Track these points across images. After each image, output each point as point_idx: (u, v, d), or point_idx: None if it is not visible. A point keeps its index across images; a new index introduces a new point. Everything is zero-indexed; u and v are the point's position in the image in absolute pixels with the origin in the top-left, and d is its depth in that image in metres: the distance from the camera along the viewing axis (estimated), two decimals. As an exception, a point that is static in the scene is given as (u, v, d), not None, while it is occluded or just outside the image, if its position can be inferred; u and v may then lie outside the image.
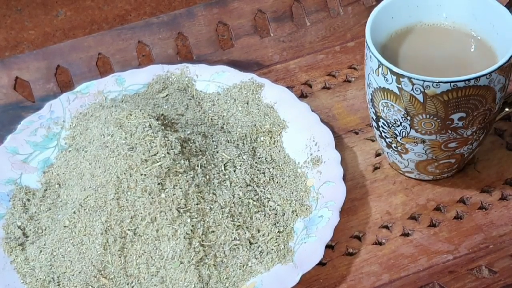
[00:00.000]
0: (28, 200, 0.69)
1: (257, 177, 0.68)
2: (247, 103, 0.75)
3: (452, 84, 0.60)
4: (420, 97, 0.61)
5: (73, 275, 0.64)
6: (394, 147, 0.67)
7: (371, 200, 0.69)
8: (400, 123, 0.64)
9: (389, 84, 0.62)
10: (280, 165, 0.70)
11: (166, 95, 0.76)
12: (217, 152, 0.69)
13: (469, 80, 0.60)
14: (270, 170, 0.70)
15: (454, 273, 0.63)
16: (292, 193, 0.68)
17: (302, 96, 0.78)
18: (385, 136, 0.67)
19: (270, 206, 0.67)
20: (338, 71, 0.80)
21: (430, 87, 0.60)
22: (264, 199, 0.67)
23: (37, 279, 0.64)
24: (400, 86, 0.62)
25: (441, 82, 0.60)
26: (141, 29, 0.82)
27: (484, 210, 0.68)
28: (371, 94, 0.65)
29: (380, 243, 0.66)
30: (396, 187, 0.70)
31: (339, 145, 0.72)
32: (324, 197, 0.67)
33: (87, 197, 0.65)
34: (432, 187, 0.69)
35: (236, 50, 0.83)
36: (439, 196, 0.69)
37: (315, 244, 0.64)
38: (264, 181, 0.68)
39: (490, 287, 0.62)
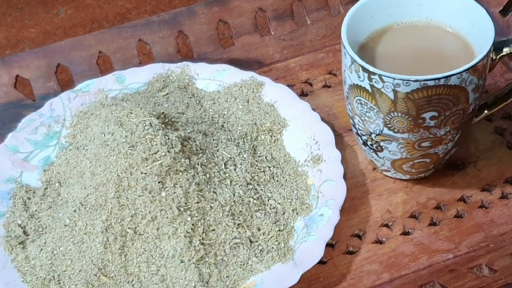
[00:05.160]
0: (29, 198, 0.69)
1: (257, 175, 0.68)
2: (248, 102, 0.75)
3: (422, 82, 0.60)
4: (391, 95, 0.61)
5: (74, 273, 0.64)
6: (370, 145, 0.67)
7: (371, 199, 0.69)
8: (374, 120, 0.64)
9: (362, 81, 0.62)
10: (280, 164, 0.70)
11: (167, 94, 0.76)
12: (218, 150, 0.69)
13: (438, 79, 0.60)
14: (271, 168, 0.70)
15: (454, 272, 0.63)
16: (293, 192, 0.68)
17: (302, 94, 0.78)
18: (361, 133, 0.67)
19: (271, 204, 0.67)
20: (339, 69, 0.80)
21: (400, 85, 0.60)
22: (265, 197, 0.67)
23: (38, 278, 0.64)
24: (371, 83, 0.61)
25: (410, 80, 0.60)
26: (141, 28, 0.82)
27: (484, 208, 0.68)
28: (346, 91, 0.65)
29: (381, 242, 0.66)
30: (397, 186, 0.70)
31: (340, 143, 0.72)
32: (325, 196, 0.67)
33: (88, 195, 0.65)
34: (433, 185, 0.69)
35: (236, 49, 0.83)
36: (440, 194, 0.69)
37: (316, 243, 0.64)
38: (265, 179, 0.68)
39: (490, 286, 0.62)
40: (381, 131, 0.64)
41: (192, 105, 0.75)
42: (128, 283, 0.63)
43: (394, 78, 0.60)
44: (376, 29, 0.68)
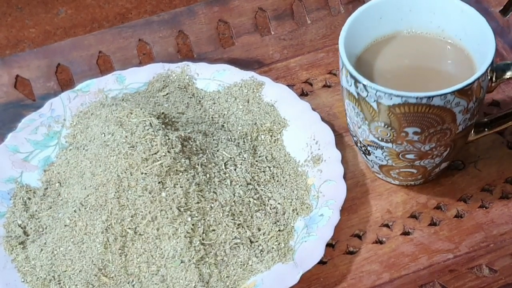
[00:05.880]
0: (29, 198, 0.69)
1: (257, 175, 0.68)
2: (248, 102, 0.75)
3: (403, 98, 0.58)
4: (374, 105, 0.60)
5: (74, 273, 0.64)
6: (359, 146, 0.67)
7: (371, 199, 0.69)
8: (360, 125, 0.63)
9: (350, 86, 0.62)
10: (280, 164, 0.70)
11: (167, 94, 0.76)
12: (218, 150, 0.69)
13: (420, 97, 0.58)
14: (271, 168, 0.70)
15: (454, 272, 0.63)
16: (293, 192, 0.68)
17: (302, 94, 0.78)
18: (352, 134, 0.67)
19: (271, 204, 0.67)
20: (339, 69, 0.80)
21: (382, 97, 0.59)
22: (265, 197, 0.67)
23: (38, 278, 0.64)
24: (357, 90, 0.61)
25: (392, 94, 0.59)
26: (141, 28, 0.82)
27: (484, 208, 0.68)
28: (341, 91, 0.65)
29: (381, 242, 0.66)
30: (397, 186, 0.70)
31: (340, 143, 0.72)
32: (325, 196, 0.67)
33: (88, 195, 0.65)
34: (433, 186, 0.69)
35: (236, 49, 0.83)
36: (440, 194, 0.69)
37: (316, 243, 0.64)
38: (265, 179, 0.68)
39: (490, 286, 0.62)
40: (367, 137, 0.64)
41: (192, 105, 0.75)
42: (128, 283, 0.63)
43: (376, 90, 0.59)
44: (384, 34, 0.66)
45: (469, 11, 0.65)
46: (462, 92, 0.59)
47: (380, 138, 0.63)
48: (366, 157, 0.67)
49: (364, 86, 0.60)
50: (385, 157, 0.65)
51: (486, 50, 0.61)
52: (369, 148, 0.65)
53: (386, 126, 0.61)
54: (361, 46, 0.66)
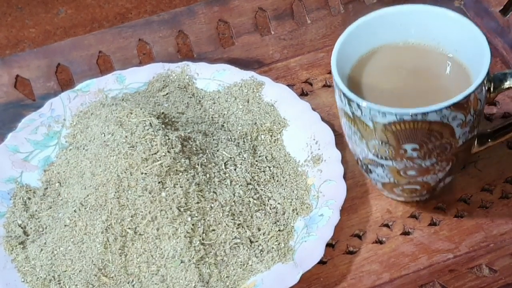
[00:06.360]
0: (29, 198, 0.69)
1: (257, 175, 0.68)
2: (248, 102, 0.75)
3: (398, 116, 0.57)
4: (370, 124, 0.59)
5: (74, 273, 0.64)
6: (360, 165, 0.65)
7: (371, 199, 0.69)
8: (358, 144, 0.62)
9: (344, 106, 0.60)
10: (280, 164, 0.70)
11: (167, 94, 0.76)
12: (218, 150, 0.69)
13: (415, 114, 0.56)
14: (271, 168, 0.70)
15: (454, 272, 0.63)
16: (293, 192, 0.68)
17: (302, 94, 0.78)
18: (352, 152, 0.65)
19: (271, 204, 0.67)
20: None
21: (376, 115, 0.57)
22: (265, 197, 0.67)
23: (38, 278, 0.64)
24: (352, 109, 0.59)
25: (386, 112, 0.57)
26: (141, 27, 0.82)
27: (484, 208, 0.68)
28: (338, 110, 0.63)
29: (381, 242, 0.66)
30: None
31: (340, 143, 0.72)
32: (325, 196, 0.67)
33: (88, 195, 0.65)
34: (433, 185, 0.69)
35: (236, 48, 0.83)
36: (440, 194, 0.69)
37: (316, 243, 0.64)
38: (265, 179, 0.68)
39: (490, 286, 0.62)
40: (367, 155, 0.63)
41: (192, 105, 0.75)
42: (128, 283, 0.63)
43: (370, 108, 0.57)
44: (376, 46, 0.65)
45: (463, 22, 0.63)
46: (458, 106, 0.57)
47: (379, 156, 0.61)
48: (369, 175, 0.66)
49: (358, 105, 0.58)
50: (386, 175, 0.63)
51: (482, 61, 0.59)
52: (370, 166, 0.64)
53: (383, 144, 0.60)
54: (352, 61, 0.64)
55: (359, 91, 0.61)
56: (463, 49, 0.63)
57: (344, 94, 0.59)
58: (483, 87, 0.59)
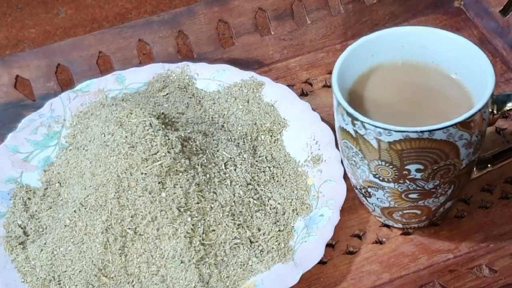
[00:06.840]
0: (29, 198, 0.69)
1: (257, 175, 0.68)
2: (248, 102, 0.75)
3: (404, 134, 0.56)
4: (374, 143, 0.57)
5: (74, 274, 0.64)
6: (359, 189, 0.65)
7: (371, 199, 0.69)
8: (359, 166, 0.61)
9: (346, 125, 0.59)
10: (280, 164, 0.70)
11: (167, 94, 0.76)
12: (218, 150, 0.69)
13: (422, 132, 0.55)
14: (271, 168, 0.70)
15: (454, 272, 0.63)
16: (293, 192, 0.68)
17: (302, 94, 0.78)
18: (350, 176, 0.65)
19: (271, 205, 0.67)
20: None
21: (382, 134, 0.56)
22: (265, 198, 0.67)
23: (38, 278, 0.64)
24: (355, 129, 0.58)
25: (393, 130, 0.56)
26: (141, 28, 0.82)
27: (484, 209, 0.68)
28: (336, 131, 0.63)
29: (381, 242, 0.66)
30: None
31: (340, 143, 0.72)
32: (325, 196, 0.67)
33: (88, 196, 0.65)
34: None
35: (236, 49, 0.83)
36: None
37: (316, 243, 0.64)
38: (265, 180, 0.68)
39: (490, 286, 0.62)
40: (367, 177, 0.62)
41: (192, 105, 0.75)
42: (128, 283, 0.63)
43: (375, 126, 0.56)
44: (375, 64, 0.64)
45: (463, 43, 0.62)
46: (464, 125, 0.56)
47: (381, 178, 0.60)
48: (367, 200, 0.65)
49: (362, 123, 0.57)
50: (387, 198, 0.62)
51: (485, 81, 0.59)
52: (369, 189, 0.63)
53: (387, 165, 0.59)
54: (351, 80, 0.63)
55: (360, 109, 0.60)
56: (463, 69, 0.62)
57: (347, 113, 0.58)
58: (488, 107, 0.58)
